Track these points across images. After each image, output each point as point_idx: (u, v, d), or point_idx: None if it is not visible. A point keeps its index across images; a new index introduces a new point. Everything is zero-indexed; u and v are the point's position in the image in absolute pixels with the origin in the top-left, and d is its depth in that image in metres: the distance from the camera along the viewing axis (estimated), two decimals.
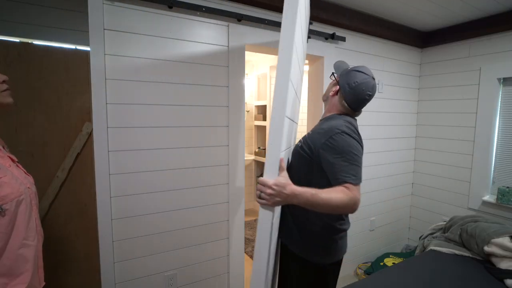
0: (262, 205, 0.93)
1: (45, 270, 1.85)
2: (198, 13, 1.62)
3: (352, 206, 0.96)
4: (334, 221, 1.13)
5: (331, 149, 1.03)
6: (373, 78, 1.15)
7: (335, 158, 1.01)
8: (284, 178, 0.94)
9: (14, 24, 1.60)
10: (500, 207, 2.30)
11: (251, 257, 2.84)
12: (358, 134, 1.11)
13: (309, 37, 1.90)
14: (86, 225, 1.89)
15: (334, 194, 0.95)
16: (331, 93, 1.21)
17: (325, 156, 1.04)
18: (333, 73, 1.27)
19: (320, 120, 1.28)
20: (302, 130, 4.22)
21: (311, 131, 1.21)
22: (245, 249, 1.95)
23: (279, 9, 1.85)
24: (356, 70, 1.14)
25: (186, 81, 1.65)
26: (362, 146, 1.09)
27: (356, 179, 0.99)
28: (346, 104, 1.16)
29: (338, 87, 1.18)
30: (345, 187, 0.97)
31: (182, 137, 1.67)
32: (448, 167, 2.68)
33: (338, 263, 1.21)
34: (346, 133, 1.05)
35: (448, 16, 2.29)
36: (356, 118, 1.22)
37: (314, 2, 1.95)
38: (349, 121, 1.13)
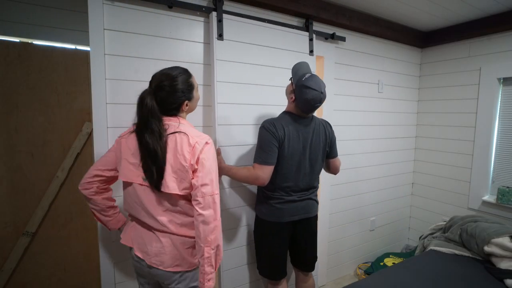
0: None
1: (46, 270, 1.86)
2: (198, 13, 1.62)
3: (253, 180, 1.41)
4: (268, 191, 1.52)
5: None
6: (322, 92, 1.40)
7: (256, 145, 1.47)
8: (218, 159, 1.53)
9: (14, 24, 1.60)
10: (500, 207, 2.30)
11: None
12: (283, 127, 1.43)
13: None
14: (86, 225, 1.89)
15: (240, 171, 1.46)
16: (289, 99, 1.51)
17: None
18: (291, 78, 1.51)
19: None
20: None
21: None
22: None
23: (277, 8, 1.85)
24: (307, 86, 1.39)
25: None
26: (275, 136, 1.40)
27: (261, 161, 1.39)
28: (299, 109, 1.47)
29: (294, 97, 1.46)
30: (253, 166, 1.42)
31: None
32: (448, 167, 2.68)
33: (281, 225, 1.52)
34: (263, 126, 1.44)
35: (448, 16, 2.29)
36: (308, 114, 1.52)
37: (314, 2, 1.95)
38: (280, 118, 1.49)
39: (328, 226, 2.34)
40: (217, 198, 1.05)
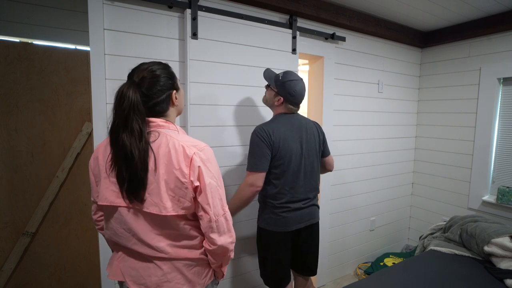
0: None
1: (46, 270, 1.86)
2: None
3: (248, 191, 1.40)
4: (273, 200, 1.47)
5: None
6: (301, 79, 1.48)
7: (248, 152, 1.46)
8: None
9: (14, 24, 1.60)
10: (500, 207, 2.30)
11: None
12: (275, 130, 1.42)
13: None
14: (86, 225, 1.89)
15: (233, 200, 1.44)
16: (276, 103, 1.50)
17: None
18: (268, 85, 1.52)
19: None
20: None
21: None
22: None
23: (277, 8, 1.85)
24: (289, 80, 1.44)
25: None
26: (267, 141, 1.39)
27: (252, 168, 1.40)
28: (291, 106, 1.49)
29: (281, 97, 1.47)
30: (246, 174, 1.42)
31: None
32: (448, 167, 2.68)
33: (287, 234, 1.50)
34: (254, 133, 1.43)
35: (448, 16, 2.29)
36: (297, 110, 1.55)
37: (314, 2, 1.95)
38: (271, 121, 1.49)
39: (328, 226, 2.34)
40: (228, 215, 0.95)
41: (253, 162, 1.40)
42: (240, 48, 1.72)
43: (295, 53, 1.93)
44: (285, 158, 1.43)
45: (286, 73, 1.46)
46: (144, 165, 0.86)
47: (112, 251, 1.04)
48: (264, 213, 1.52)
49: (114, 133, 0.86)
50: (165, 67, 0.97)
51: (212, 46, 1.63)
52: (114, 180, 0.90)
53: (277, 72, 1.58)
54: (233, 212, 1.41)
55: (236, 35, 1.70)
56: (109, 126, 0.88)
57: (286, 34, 1.89)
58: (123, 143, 0.83)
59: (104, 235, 1.03)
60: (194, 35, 1.56)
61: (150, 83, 0.91)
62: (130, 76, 0.94)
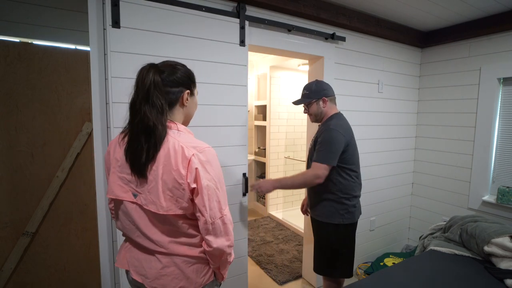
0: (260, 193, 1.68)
1: (46, 270, 1.85)
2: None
3: (312, 180, 1.51)
4: (349, 192, 1.60)
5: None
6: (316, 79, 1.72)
7: (322, 145, 1.59)
8: (264, 180, 1.65)
9: (14, 24, 1.60)
10: (500, 207, 2.30)
11: (252, 257, 2.83)
12: (348, 128, 1.62)
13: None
14: (86, 225, 1.89)
15: (295, 177, 1.56)
16: (323, 106, 1.64)
17: None
18: (306, 105, 1.67)
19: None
20: (303, 130, 4.21)
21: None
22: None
23: (278, 8, 1.85)
24: (313, 84, 1.65)
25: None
26: (345, 140, 1.55)
27: (327, 161, 1.51)
28: (334, 98, 1.68)
29: (324, 98, 1.63)
30: (315, 165, 1.53)
31: None
32: (448, 167, 2.68)
33: (353, 225, 1.67)
34: (335, 130, 1.54)
35: (448, 16, 2.29)
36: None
37: (314, 2, 1.95)
38: (338, 119, 1.62)
39: None
40: (227, 218, 0.94)
41: (329, 156, 1.51)
42: (176, 39, 1.54)
43: (243, 45, 1.74)
44: (355, 152, 1.61)
45: (305, 86, 1.68)
46: (160, 142, 0.87)
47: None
48: (340, 209, 1.61)
49: (135, 106, 0.88)
50: (187, 69, 1.00)
51: (139, 36, 1.45)
52: (121, 175, 0.93)
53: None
54: (288, 186, 1.62)
55: (170, 24, 1.51)
56: (130, 100, 0.91)
57: (232, 24, 1.69)
58: (145, 115, 0.85)
59: (116, 224, 1.07)
60: (116, 23, 1.38)
61: (169, 71, 0.94)
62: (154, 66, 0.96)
